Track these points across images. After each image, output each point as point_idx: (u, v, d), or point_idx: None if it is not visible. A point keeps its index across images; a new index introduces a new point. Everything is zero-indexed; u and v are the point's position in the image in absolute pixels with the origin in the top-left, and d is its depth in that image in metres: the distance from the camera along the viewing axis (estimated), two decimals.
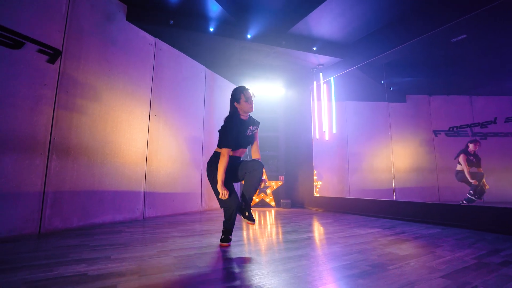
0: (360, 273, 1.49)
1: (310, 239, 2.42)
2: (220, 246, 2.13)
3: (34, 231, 2.46)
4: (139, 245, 2.13)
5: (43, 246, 2.07)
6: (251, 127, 2.14)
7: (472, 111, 5.90)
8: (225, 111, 5.40)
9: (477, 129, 5.22)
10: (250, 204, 2.15)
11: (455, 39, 4.23)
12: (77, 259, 1.72)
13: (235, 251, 1.98)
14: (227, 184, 2.07)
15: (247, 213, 2.11)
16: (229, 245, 2.14)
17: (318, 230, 2.94)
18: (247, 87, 2.13)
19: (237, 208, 2.09)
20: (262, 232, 2.79)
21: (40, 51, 2.57)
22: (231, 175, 2.12)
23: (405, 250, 1.99)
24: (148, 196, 3.67)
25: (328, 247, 2.10)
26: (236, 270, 1.55)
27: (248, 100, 2.08)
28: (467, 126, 4.40)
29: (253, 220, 2.10)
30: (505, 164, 5.08)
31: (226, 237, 2.16)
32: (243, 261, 1.72)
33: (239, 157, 2.22)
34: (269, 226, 3.20)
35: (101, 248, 2.01)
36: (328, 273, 1.50)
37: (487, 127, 4.42)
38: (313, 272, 1.51)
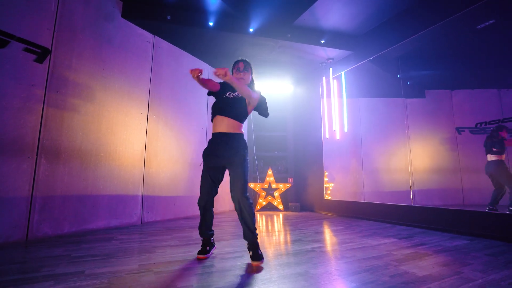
0: None
1: (314, 251, 2.15)
2: (197, 258, 1.91)
3: (21, 238, 2.35)
4: (123, 257, 1.95)
5: (23, 256, 1.94)
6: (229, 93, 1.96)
7: (501, 105, 5.35)
8: None
9: (508, 125, 4.70)
10: (253, 239, 1.81)
11: (482, 25, 3.78)
12: (47, 275, 1.55)
13: (226, 266, 1.74)
14: (203, 174, 1.96)
15: (251, 252, 1.78)
16: (206, 258, 1.91)
17: (324, 239, 2.66)
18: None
19: (205, 208, 2.00)
20: (262, 241, 2.54)
21: (26, 49, 2.45)
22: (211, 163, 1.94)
23: (425, 269, 1.67)
24: (147, 200, 3.52)
25: (333, 263, 1.82)
26: None
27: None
28: (499, 121, 3.92)
29: (258, 260, 1.73)
30: None
31: (203, 248, 1.95)
32: (231, 281, 1.49)
33: (224, 134, 1.88)
34: (272, 234, 2.95)
35: (81, 260, 1.84)
36: None
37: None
38: None
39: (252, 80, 2.09)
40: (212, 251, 2.05)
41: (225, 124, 1.89)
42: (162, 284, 1.43)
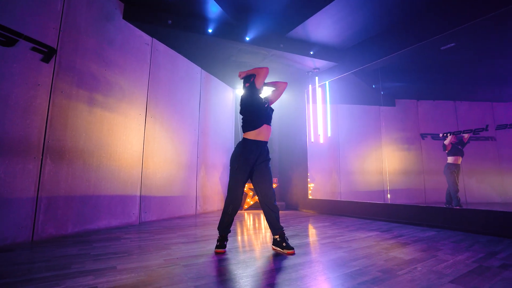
0: (372, 279, 1.52)
1: (314, 243, 2.45)
2: (215, 252, 2.10)
3: (27, 239, 2.33)
4: (142, 254, 2.07)
5: (40, 255, 1.96)
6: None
7: (456, 115, 6.19)
8: (220, 112, 5.42)
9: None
10: (279, 231, 2.13)
11: (444, 47, 4.40)
12: (81, 271, 1.65)
13: (244, 258, 1.96)
14: (240, 177, 2.12)
15: (284, 244, 2.08)
16: (224, 252, 2.11)
17: (318, 234, 2.98)
18: None
19: (237, 210, 2.17)
20: (265, 237, 2.78)
21: (34, 49, 2.43)
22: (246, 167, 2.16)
23: (409, 254, 2.05)
24: (144, 200, 3.57)
25: (334, 252, 2.12)
26: (252, 280, 1.54)
27: None
28: (460, 132, 4.62)
29: (292, 248, 2.07)
30: (484, 167, 5.38)
31: (221, 243, 2.15)
32: (254, 269, 1.71)
33: (265, 143, 2.22)
34: (268, 230, 3.20)
35: (104, 257, 1.93)
36: (342, 280, 1.51)
37: (479, 133, 4.67)
38: (326, 279, 1.53)
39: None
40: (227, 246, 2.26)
41: (269, 133, 2.20)
42: (197, 274, 1.60)
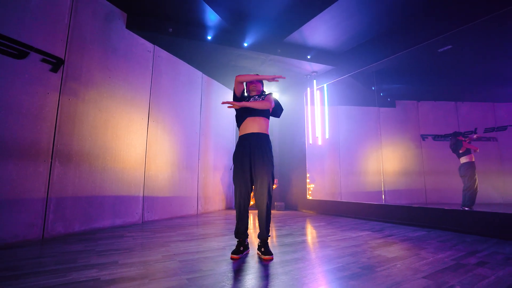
0: (351, 275, 1.64)
1: (305, 242, 2.57)
2: (231, 258, 1.99)
3: (37, 236, 2.52)
4: (143, 250, 2.23)
5: (48, 251, 2.14)
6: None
7: (457, 116, 6.22)
8: (221, 114, 5.58)
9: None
10: (265, 237, 2.07)
11: (442, 49, 4.46)
12: (86, 265, 1.81)
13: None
14: (237, 175, 2.09)
15: (263, 249, 2.02)
16: (239, 258, 2.00)
17: (312, 233, 3.10)
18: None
19: (242, 212, 2.11)
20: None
21: (43, 60, 2.63)
22: (241, 165, 2.10)
23: (393, 253, 2.16)
24: (147, 200, 3.75)
25: (322, 250, 2.25)
26: (239, 274, 1.68)
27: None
28: (450, 135, 4.69)
29: (269, 254, 1.97)
30: (486, 167, 5.37)
31: (237, 248, 2.05)
32: (244, 265, 1.85)
33: (255, 134, 2.09)
34: None
35: (108, 253, 2.10)
36: (323, 275, 1.64)
37: (467, 136, 4.72)
38: (309, 274, 1.66)
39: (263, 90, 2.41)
40: (246, 252, 2.12)
41: (256, 123, 2.11)
42: (190, 268, 1.75)
